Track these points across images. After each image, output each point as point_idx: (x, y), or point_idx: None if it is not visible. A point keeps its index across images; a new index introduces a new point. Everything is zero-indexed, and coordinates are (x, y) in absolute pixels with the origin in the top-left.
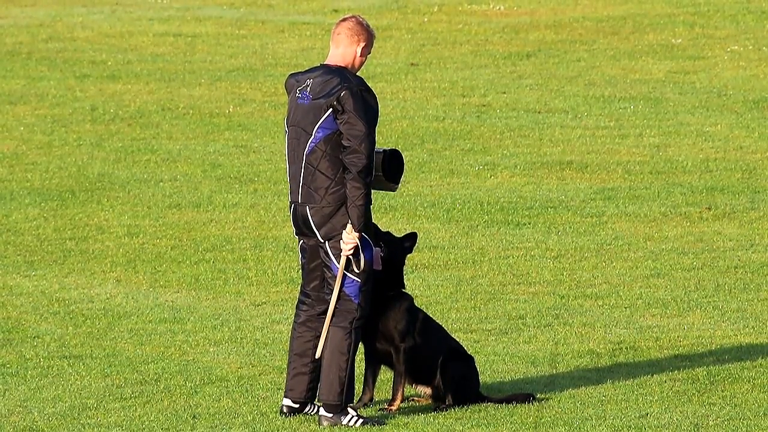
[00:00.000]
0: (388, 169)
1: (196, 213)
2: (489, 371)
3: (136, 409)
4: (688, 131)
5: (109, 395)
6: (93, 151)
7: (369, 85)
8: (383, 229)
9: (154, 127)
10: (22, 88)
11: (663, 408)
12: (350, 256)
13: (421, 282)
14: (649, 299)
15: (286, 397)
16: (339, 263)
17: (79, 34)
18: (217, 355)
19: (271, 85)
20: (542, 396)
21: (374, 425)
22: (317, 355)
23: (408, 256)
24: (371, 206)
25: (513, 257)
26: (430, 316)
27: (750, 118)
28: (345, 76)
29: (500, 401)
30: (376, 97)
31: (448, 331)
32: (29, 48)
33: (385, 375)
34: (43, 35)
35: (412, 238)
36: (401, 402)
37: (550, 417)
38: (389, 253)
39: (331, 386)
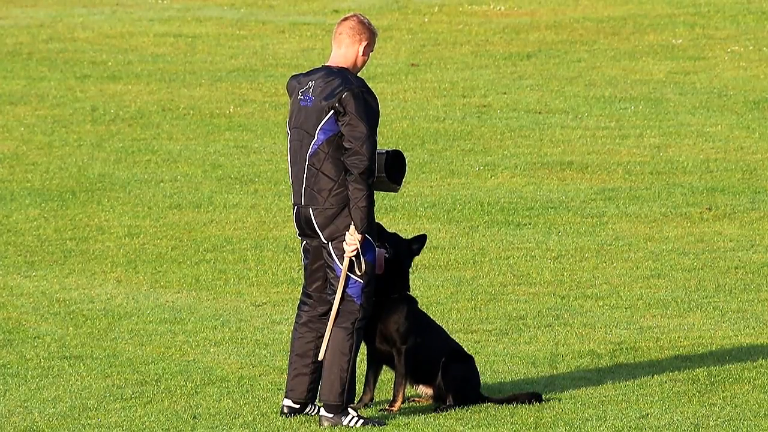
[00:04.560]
0: (391, 170)
1: (197, 213)
2: (489, 372)
3: (136, 409)
4: (689, 132)
5: (110, 396)
6: (93, 151)
7: (370, 87)
8: (387, 230)
9: (154, 127)
10: (22, 89)
11: (663, 408)
12: (353, 258)
13: (421, 282)
14: (649, 300)
15: (286, 397)
16: (342, 264)
17: (80, 34)
18: (218, 355)
19: (272, 86)
20: (543, 396)
21: (375, 425)
22: (320, 357)
23: None
24: (374, 207)
25: (513, 258)
26: (431, 317)
27: (750, 118)
28: (346, 78)
29: (501, 401)
30: (377, 99)
31: (448, 332)
32: (30, 48)
33: (386, 375)
34: (44, 36)
35: (420, 240)
36: (402, 403)
37: (551, 417)
38: (394, 254)
39: (332, 386)
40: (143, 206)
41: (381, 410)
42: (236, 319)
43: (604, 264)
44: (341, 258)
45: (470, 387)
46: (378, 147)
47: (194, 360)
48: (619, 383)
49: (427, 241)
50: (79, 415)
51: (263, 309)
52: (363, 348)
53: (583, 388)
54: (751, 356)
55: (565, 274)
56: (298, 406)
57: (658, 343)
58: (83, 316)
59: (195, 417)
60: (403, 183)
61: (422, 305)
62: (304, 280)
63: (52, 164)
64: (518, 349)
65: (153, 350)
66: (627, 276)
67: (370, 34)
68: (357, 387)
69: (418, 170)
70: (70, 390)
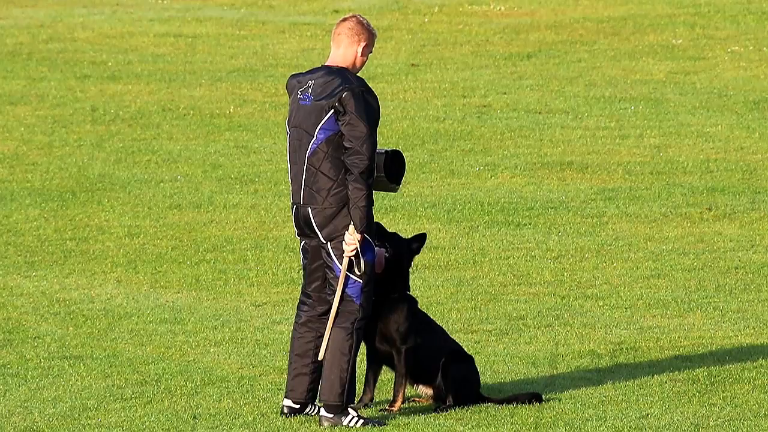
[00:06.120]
0: (390, 169)
1: (197, 214)
2: (489, 372)
3: (136, 409)
4: (689, 132)
5: (110, 396)
6: (93, 151)
7: (370, 86)
8: (387, 230)
9: (154, 127)
10: (22, 89)
11: (663, 408)
12: (352, 257)
13: (421, 282)
14: (649, 300)
15: (286, 397)
16: (341, 264)
17: (80, 34)
18: (218, 355)
19: (272, 86)
20: (543, 396)
21: (375, 425)
22: (320, 357)
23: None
24: (373, 207)
25: (513, 258)
26: (431, 317)
27: (750, 118)
28: (346, 77)
29: (501, 401)
30: (377, 98)
31: (448, 333)
32: (30, 48)
33: (386, 375)
34: (44, 36)
35: (420, 239)
36: (402, 403)
37: (551, 417)
38: (394, 254)
39: (332, 387)
40: (143, 206)
41: (381, 410)
42: (236, 319)
43: (604, 264)
44: (340, 258)
45: (470, 387)
46: (377, 147)
47: (194, 360)
48: (619, 383)
49: (427, 240)
50: (79, 415)
51: (263, 309)
52: (363, 348)
53: (583, 388)
54: (751, 356)
55: (565, 274)
56: (298, 406)
57: (658, 343)
58: (83, 316)
59: (195, 417)
60: (402, 183)
61: (422, 305)
62: (303, 280)
63: (52, 164)
64: (518, 349)
65: (153, 350)
66: (627, 276)
67: (368, 34)
68: (357, 387)
69: (418, 170)
70: (70, 390)
